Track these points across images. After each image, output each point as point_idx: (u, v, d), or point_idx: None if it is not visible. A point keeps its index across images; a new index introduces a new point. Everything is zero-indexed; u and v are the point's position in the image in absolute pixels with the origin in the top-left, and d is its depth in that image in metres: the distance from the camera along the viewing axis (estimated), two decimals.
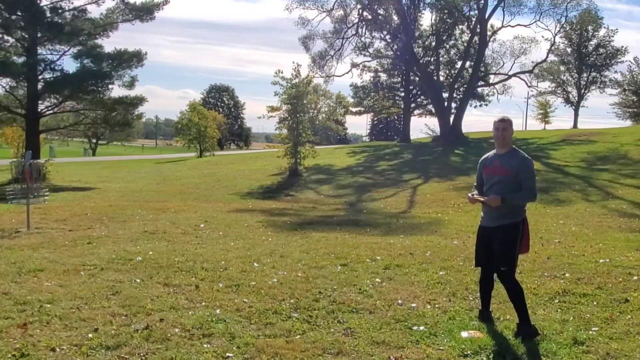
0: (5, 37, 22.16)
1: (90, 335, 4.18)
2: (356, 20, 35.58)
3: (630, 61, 45.59)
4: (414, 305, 5.12)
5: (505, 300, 5.30)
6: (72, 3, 22.55)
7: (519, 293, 4.33)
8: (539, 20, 35.68)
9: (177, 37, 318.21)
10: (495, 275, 4.55)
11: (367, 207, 14.90)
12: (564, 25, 39.73)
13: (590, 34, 44.74)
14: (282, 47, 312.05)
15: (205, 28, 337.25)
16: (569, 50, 46.15)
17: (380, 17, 35.47)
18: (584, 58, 45.24)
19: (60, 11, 22.43)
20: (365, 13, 35.14)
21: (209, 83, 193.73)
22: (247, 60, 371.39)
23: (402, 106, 46.39)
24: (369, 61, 42.30)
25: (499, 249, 4.36)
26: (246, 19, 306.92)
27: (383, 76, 48.30)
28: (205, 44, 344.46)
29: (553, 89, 49.14)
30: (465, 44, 38.27)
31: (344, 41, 35.97)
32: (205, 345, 4.04)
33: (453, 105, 38.32)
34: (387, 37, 37.75)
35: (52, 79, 22.53)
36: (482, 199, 4.47)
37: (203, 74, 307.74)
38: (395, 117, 64.94)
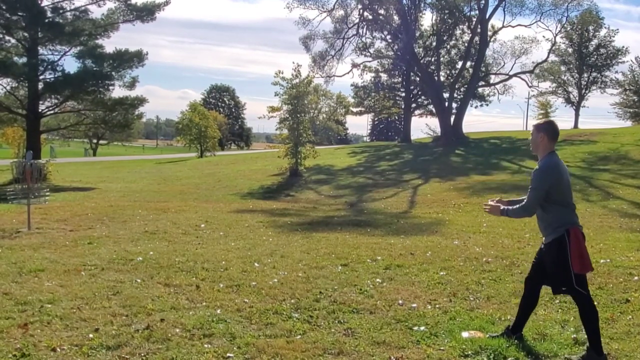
0: (7, 38, 22.18)
1: (91, 335, 4.18)
2: (357, 21, 35.58)
3: (631, 61, 45.62)
4: (414, 305, 5.12)
5: (505, 300, 5.30)
6: (73, 3, 22.61)
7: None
8: (539, 20, 35.75)
9: (176, 37, 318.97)
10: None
11: (367, 207, 14.90)
12: (565, 26, 39.73)
13: (591, 34, 44.68)
14: (281, 47, 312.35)
15: (203, 28, 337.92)
16: (569, 50, 46.09)
17: (380, 17, 35.47)
18: (585, 58, 45.17)
19: (61, 11, 22.45)
20: (365, 13, 35.13)
21: (209, 83, 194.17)
22: (246, 61, 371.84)
23: (403, 106, 46.37)
24: (369, 61, 42.30)
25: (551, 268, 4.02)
26: (244, 19, 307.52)
27: (384, 76, 48.27)
28: (204, 44, 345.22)
29: (554, 89, 49.07)
30: (466, 44, 38.27)
31: (344, 41, 35.95)
32: (205, 346, 4.04)
33: (454, 105, 38.31)
34: (388, 37, 37.75)
35: (53, 79, 22.52)
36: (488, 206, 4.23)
37: (202, 74, 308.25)
38: (396, 117, 64.93)
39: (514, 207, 4.09)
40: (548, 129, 4.07)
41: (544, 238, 4.08)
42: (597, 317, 3.92)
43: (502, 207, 4.15)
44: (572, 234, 3.87)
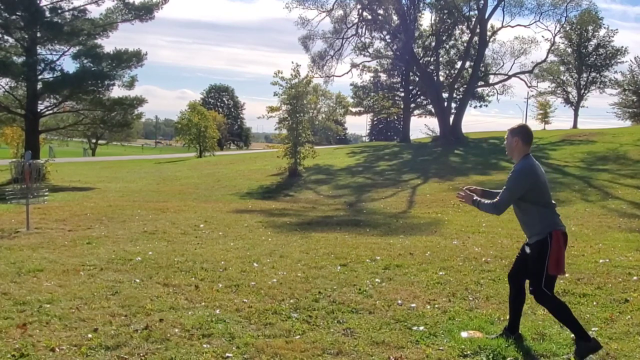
0: (5, 37, 22.15)
1: (89, 335, 4.17)
2: (356, 21, 35.61)
3: (631, 61, 45.67)
4: (413, 305, 5.12)
5: (504, 300, 5.30)
6: (72, 3, 22.57)
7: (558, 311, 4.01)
8: (539, 20, 35.86)
9: (174, 37, 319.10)
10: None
11: (366, 207, 14.89)
12: (564, 26, 39.81)
13: (590, 34, 44.72)
14: (279, 47, 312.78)
15: (201, 28, 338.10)
16: (569, 50, 46.14)
17: (380, 17, 35.50)
18: (584, 58, 45.22)
19: (59, 11, 22.41)
20: (365, 13, 35.17)
21: (208, 83, 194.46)
22: (245, 61, 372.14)
23: (402, 106, 46.41)
24: (368, 61, 42.39)
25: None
26: (242, 19, 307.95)
27: (383, 76, 48.33)
28: (202, 44, 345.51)
29: (553, 89, 49.16)
30: (465, 44, 38.31)
31: (343, 41, 36.01)
32: (204, 346, 4.04)
33: (453, 105, 38.37)
34: (387, 37, 37.80)
35: (51, 79, 22.49)
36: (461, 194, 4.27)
37: (201, 74, 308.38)
38: (395, 117, 64.95)
39: (486, 202, 4.12)
40: (522, 133, 4.12)
41: (527, 238, 4.12)
42: (568, 309, 3.99)
43: (474, 197, 4.18)
44: (554, 236, 3.92)
